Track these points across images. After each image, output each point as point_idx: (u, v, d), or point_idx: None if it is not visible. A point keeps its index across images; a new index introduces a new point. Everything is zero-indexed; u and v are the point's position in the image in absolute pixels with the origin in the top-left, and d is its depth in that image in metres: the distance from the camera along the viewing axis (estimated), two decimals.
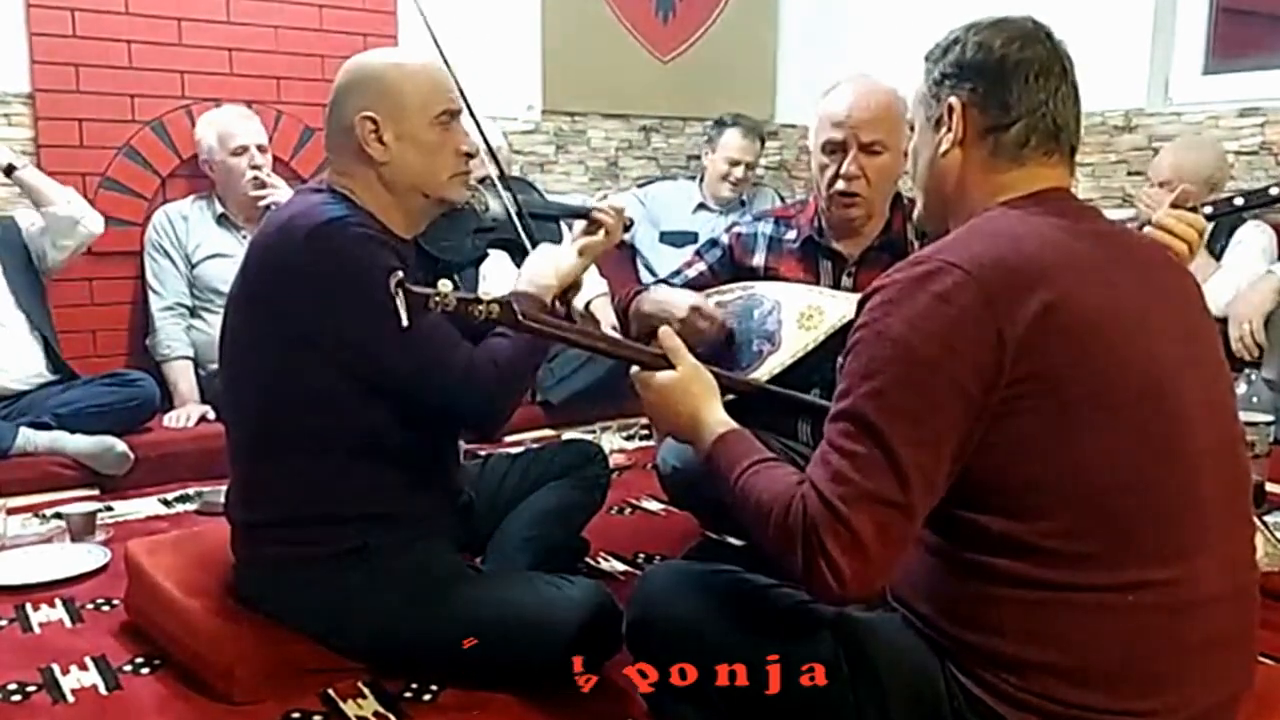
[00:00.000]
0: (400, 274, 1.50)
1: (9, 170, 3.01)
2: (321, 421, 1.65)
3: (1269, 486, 2.37)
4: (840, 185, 2.02)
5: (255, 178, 3.24)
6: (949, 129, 1.27)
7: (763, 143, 4.17)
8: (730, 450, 1.31)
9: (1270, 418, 2.36)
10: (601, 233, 2.10)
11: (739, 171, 4.04)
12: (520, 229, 2.05)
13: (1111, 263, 1.19)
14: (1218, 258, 3.13)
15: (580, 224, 2.16)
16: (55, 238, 3.04)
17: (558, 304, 1.85)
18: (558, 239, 2.52)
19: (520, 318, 1.55)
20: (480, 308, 1.50)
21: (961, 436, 1.10)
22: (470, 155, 1.77)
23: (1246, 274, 3.03)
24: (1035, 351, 1.09)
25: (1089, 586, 1.11)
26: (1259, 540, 2.00)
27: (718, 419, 1.38)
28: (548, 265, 1.82)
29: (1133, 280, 1.19)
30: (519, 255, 2.08)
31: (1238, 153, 3.45)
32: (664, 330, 1.52)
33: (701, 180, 4.20)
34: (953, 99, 1.26)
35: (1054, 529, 1.11)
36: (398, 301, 1.46)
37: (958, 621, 1.17)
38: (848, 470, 1.10)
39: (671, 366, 1.47)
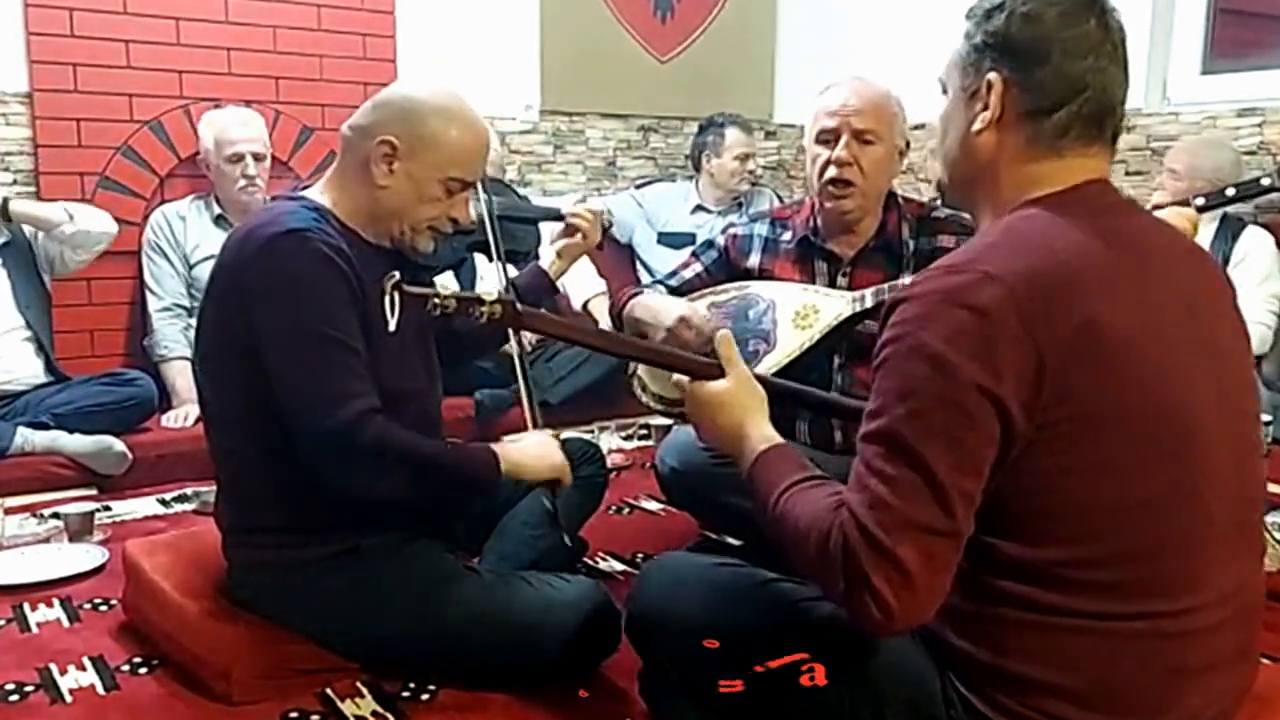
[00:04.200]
0: (396, 275, 1.48)
1: (4, 207, 2.97)
2: (283, 425, 1.63)
3: (1267, 486, 2.37)
4: (833, 172, 2.02)
5: (246, 186, 3.23)
6: (985, 107, 1.18)
7: (751, 132, 4.22)
8: (769, 471, 1.26)
9: (1269, 417, 2.36)
10: (579, 235, 2.12)
11: (750, 164, 4.14)
12: (493, 240, 2.05)
13: (1147, 275, 1.13)
14: (1225, 261, 3.16)
15: (558, 226, 2.19)
16: (73, 250, 3.04)
17: (542, 491, 1.84)
18: (536, 240, 2.53)
19: (522, 318, 1.53)
20: (483, 308, 1.47)
21: (997, 458, 1.05)
22: (456, 224, 1.76)
23: (1269, 292, 3.12)
24: (1069, 375, 1.04)
25: (1098, 614, 1.09)
26: None
27: (761, 435, 1.32)
28: (530, 453, 1.80)
29: (1167, 294, 1.14)
30: (496, 258, 2.10)
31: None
32: (722, 334, 1.47)
33: (697, 182, 4.21)
34: (992, 75, 1.17)
35: (1069, 557, 1.08)
36: (387, 302, 1.43)
37: (964, 636, 1.14)
38: (888, 497, 1.04)
39: (722, 374, 1.42)
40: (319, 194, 1.74)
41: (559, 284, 2.19)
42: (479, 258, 3.38)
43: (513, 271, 2.19)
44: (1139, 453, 1.08)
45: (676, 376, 1.49)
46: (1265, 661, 1.71)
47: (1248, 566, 1.19)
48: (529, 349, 3.16)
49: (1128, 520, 1.08)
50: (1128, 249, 1.14)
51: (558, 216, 2.21)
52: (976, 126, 1.19)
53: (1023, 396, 1.03)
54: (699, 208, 4.16)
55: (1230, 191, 1.86)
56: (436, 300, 1.44)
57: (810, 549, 1.10)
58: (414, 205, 1.70)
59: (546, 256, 2.15)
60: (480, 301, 1.46)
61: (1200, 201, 1.80)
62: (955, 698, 1.15)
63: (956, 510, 1.04)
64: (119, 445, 2.81)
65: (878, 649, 1.20)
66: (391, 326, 1.44)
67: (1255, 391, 1.24)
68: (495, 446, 1.77)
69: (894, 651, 1.20)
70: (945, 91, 1.26)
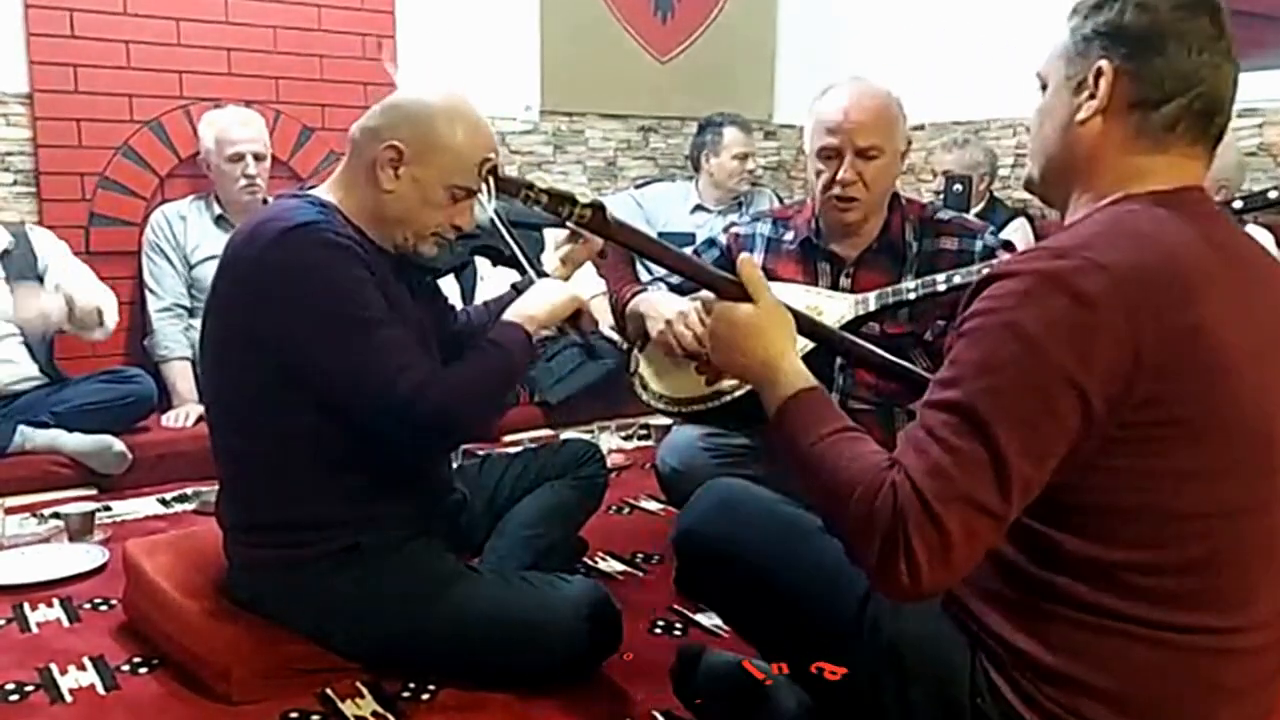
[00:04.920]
0: (492, 158, 1.58)
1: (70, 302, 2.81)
2: (298, 423, 1.64)
3: None
4: (837, 190, 2.02)
5: (246, 186, 3.23)
6: (1093, 95, 1.14)
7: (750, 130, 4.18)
8: (810, 409, 1.20)
9: None
10: (584, 240, 2.11)
11: (749, 164, 4.12)
12: (511, 239, 2.05)
13: (1248, 285, 1.11)
14: None
15: (563, 233, 2.18)
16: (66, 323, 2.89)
17: (567, 328, 1.88)
18: (540, 246, 2.51)
19: (610, 224, 1.51)
20: (574, 208, 1.45)
21: (1069, 453, 1.03)
22: (459, 230, 1.77)
23: None
24: (1166, 378, 1.01)
25: (1152, 622, 1.07)
26: None
27: (797, 370, 1.25)
28: (541, 301, 1.84)
29: (1265, 307, 1.11)
30: (501, 262, 2.10)
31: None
32: (744, 257, 1.39)
33: (697, 182, 4.21)
34: (1103, 62, 1.13)
35: (1132, 560, 1.07)
36: (483, 188, 1.42)
37: (1010, 623, 1.13)
38: (949, 466, 1.01)
39: (749, 300, 1.33)
40: (325, 193, 1.74)
41: None
42: (481, 261, 3.38)
43: (514, 276, 2.19)
44: (1221, 465, 1.05)
45: (705, 294, 1.44)
46: None
47: None
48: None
49: (1197, 531, 1.06)
50: (1234, 259, 1.11)
51: (562, 224, 2.20)
52: (1081, 115, 1.15)
53: (1110, 392, 1.00)
54: (699, 208, 4.16)
55: (1237, 204, 1.86)
56: (529, 192, 1.43)
57: (849, 501, 1.06)
58: (418, 210, 1.70)
59: (550, 262, 2.15)
60: (572, 201, 1.44)
61: None
62: (984, 681, 1.14)
63: (1013, 495, 1.01)
64: (118, 445, 2.81)
65: (904, 622, 1.18)
66: (489, 211, 1.41)
67: None
68: (513, 316, 1.80)
69: (922, 627, 1.18)
70: (1044, 87, 1.22)
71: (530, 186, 1.41)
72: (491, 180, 1.42)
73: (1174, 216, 1.10)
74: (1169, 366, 1.01)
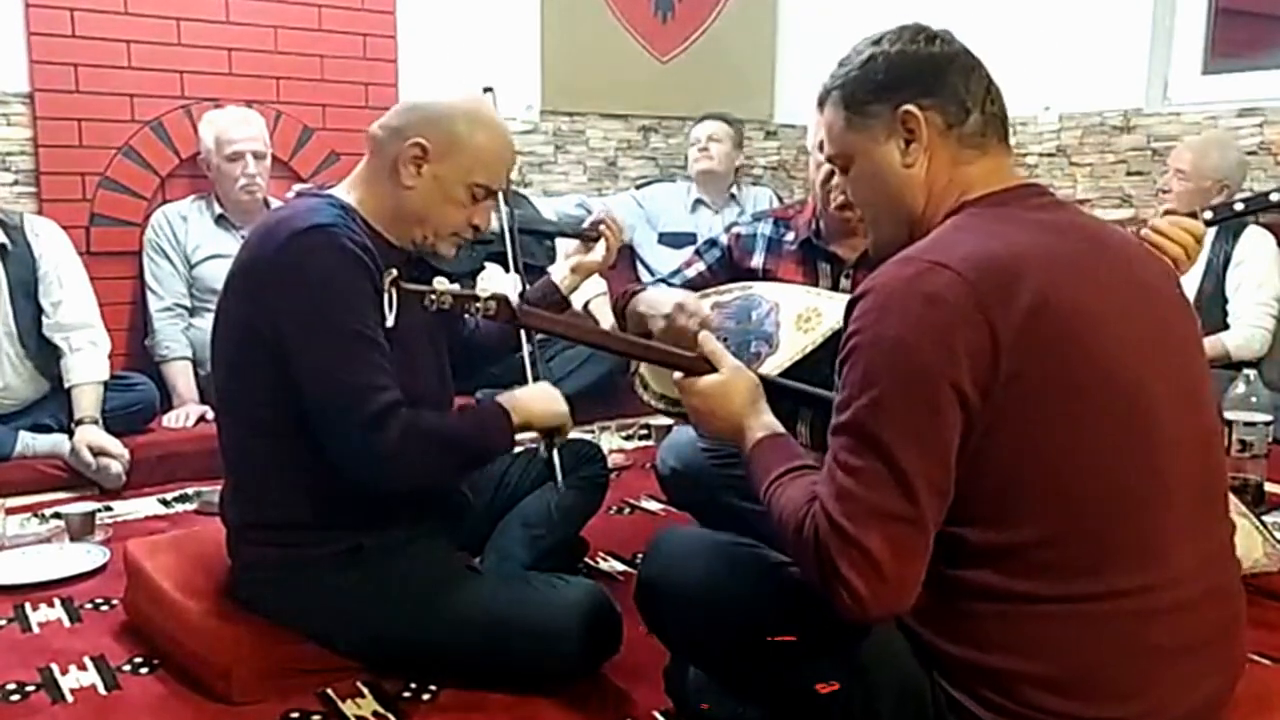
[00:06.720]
0: (395, 272, 1.51)
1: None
2: (302, 422, 1.64)
3: (1268, 486, 2.38)
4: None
5: (246, 185, 3.23)
6: (910, 140, 1.24)
7: (729, 124, 4.17)
8: (763, 459, 1.31)
9: (1269, 417, 2.36)
10: (599, 249, 2.13)
11: (703, 150, 4.13)
12: (511, 252, 2.06)
13: (1094, 258, 1.18)
14: (1226, 262, 3.17)
15: (574, 242, 2.19)
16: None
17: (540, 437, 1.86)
18: (551, 257, 2.52)
19: (517, 314, 1.54)
20: (477, 304, 1.50)
21: (960, 441, 1.08)
22: (478, 230, 1.77)
23: (1270, 294, 3.14)
24: (1024, 351, 1.07)
25: (1063, 597, 1.10)
26: (1258, 540, 2.00)
27: (759, 423, 1.38)
28: (535, 402, 1.82)
29: (1114, 276, 1.18)
30: (513, 268, 2.11)
31: None
32: (704, 335, 1.51)
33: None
34: (907, 107, 1.23)
35: (1029, 537, 1.10)
36: (386, 299, 1.46)
37: (941, 634, 1.16)
38: (852, 487, 1.08)
39: (714, 369, 1.47)
40: (344, 192, 1.75)
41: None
42: (490, 267, 3.40)
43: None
44: (1092, 428, 1.10)
45: (675, 375, 1.52)
46: (1265, 662, 1.72)
47: (1213, 547, 1.20)
48: None
49: (1085, 493, 1.10)
50: (1079, 237, 1.20)
51: (575, 234, 2.22)
52: (909, 159, 1.24)
53: (977, 376, 1.06)
54: (699, 203, 4.20)
55: (1239, 206, 1.86)
56: (434, 296, 1.47)
57: (790, 540, 1.15)
58: (438, 208, 1.71)
59: (560, 271, 2.16)
60: (475, 299, 1.49)
61: (1209, 215, 1.80)
62: (944, 696, 1.15)
63: (920, 496, 1.07)
64: (116, 467, 2.76)
65: (869, 643, 1.20)
66: (389, 322, 1.47)
67: (1208, 379, 1.26)
68: (504, 400, 1.78)
69: (885, 646, 1.20)
70: (844, 169, 1.32)
71: (435, 292, 1.46)
72: (395, 291, 1.45)
73: (1011, 209, 1.20)
74: (1024, 341, 1.07)
